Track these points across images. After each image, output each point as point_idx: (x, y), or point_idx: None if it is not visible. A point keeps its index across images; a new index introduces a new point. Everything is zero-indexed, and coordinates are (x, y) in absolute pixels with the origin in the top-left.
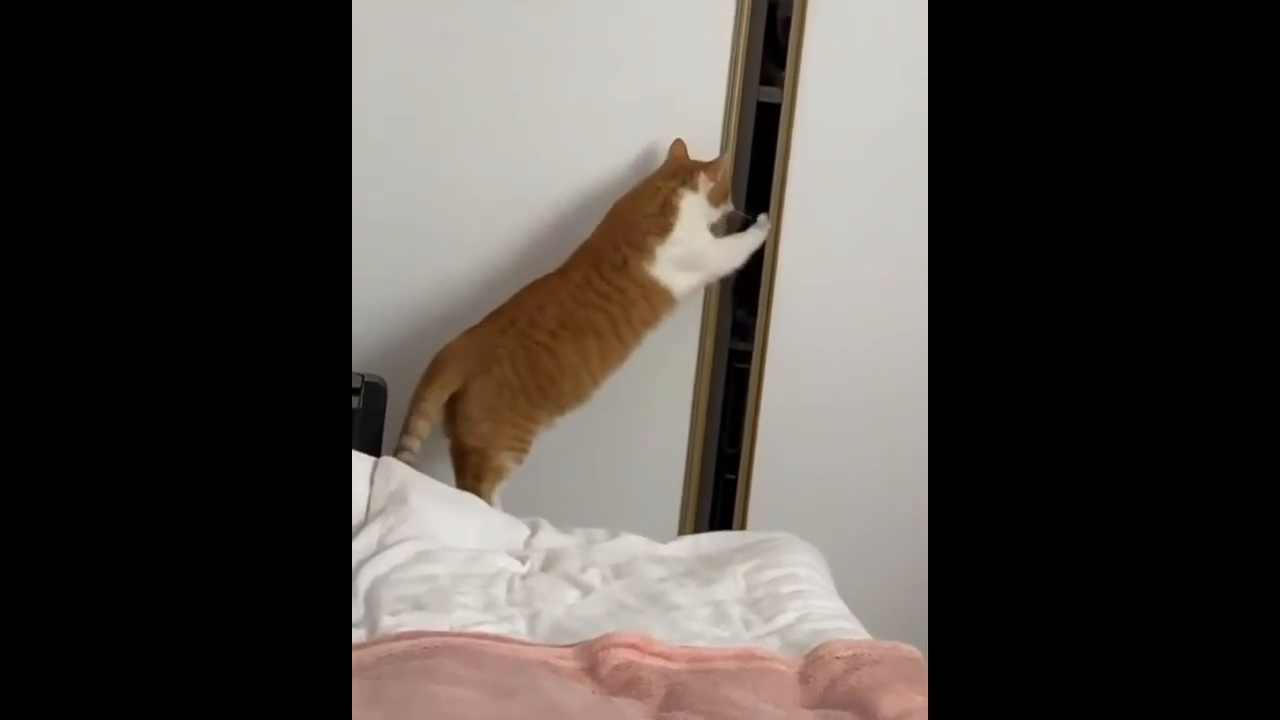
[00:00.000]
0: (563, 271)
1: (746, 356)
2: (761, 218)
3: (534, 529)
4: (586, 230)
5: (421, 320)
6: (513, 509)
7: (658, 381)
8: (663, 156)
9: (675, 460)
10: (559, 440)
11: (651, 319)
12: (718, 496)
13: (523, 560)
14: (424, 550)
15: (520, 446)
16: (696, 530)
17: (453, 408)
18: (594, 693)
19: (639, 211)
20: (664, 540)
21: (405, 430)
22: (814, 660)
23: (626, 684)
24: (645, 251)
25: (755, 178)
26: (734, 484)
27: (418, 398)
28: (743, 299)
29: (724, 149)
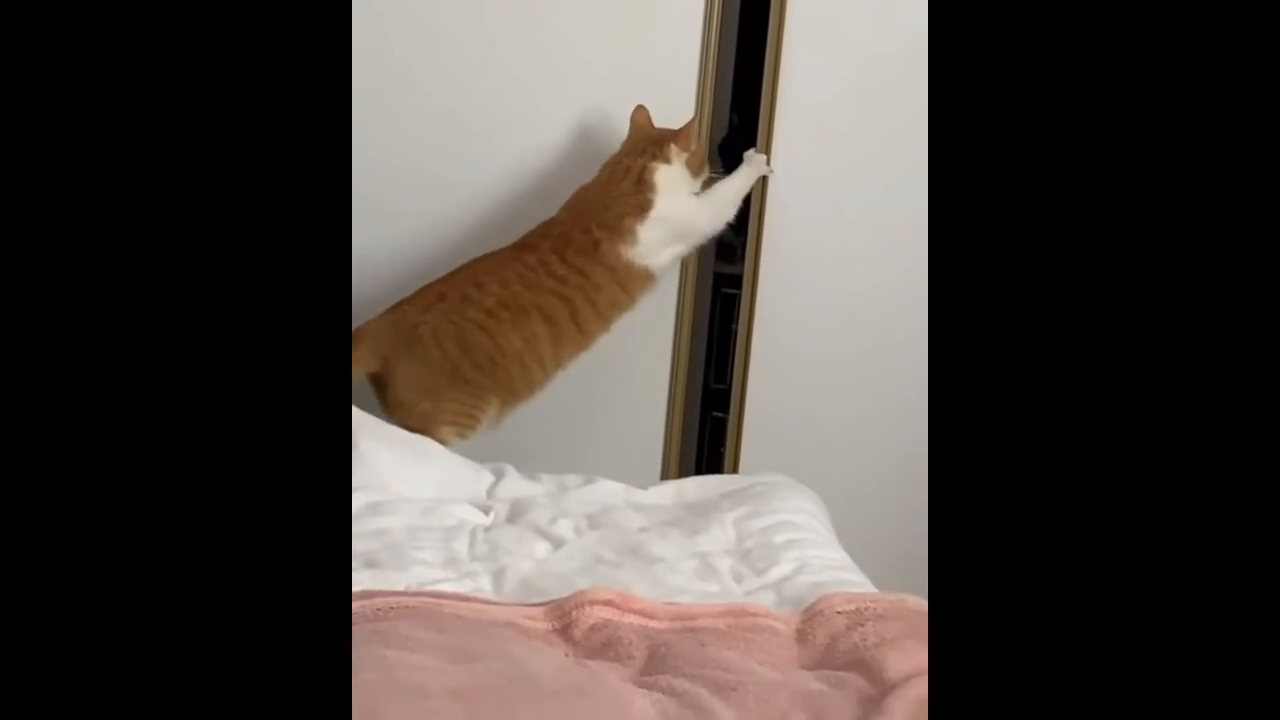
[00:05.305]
0: (514, 251)
1: (735, 280)
2: (749, 154)
3: (499, 476)
4: (543, 199)
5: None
6: (475, 455)
7: (634, 312)
8: (626, 111)
9: (656, 398)
10: None
11: (625, 302)
12: (704, 437)
13: (486, 511)
14: (376, 501)
15: (466, 423)
16: (681, 475)
17: (381, 393)
18: (567, 656)
19: (611, 192)
20: (644, 486)
21: None
22: (812, 616)
23: (603, 645)
24: (622, 233)
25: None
26: (723, 423)
27: None
28: None
29: (702, 82)
